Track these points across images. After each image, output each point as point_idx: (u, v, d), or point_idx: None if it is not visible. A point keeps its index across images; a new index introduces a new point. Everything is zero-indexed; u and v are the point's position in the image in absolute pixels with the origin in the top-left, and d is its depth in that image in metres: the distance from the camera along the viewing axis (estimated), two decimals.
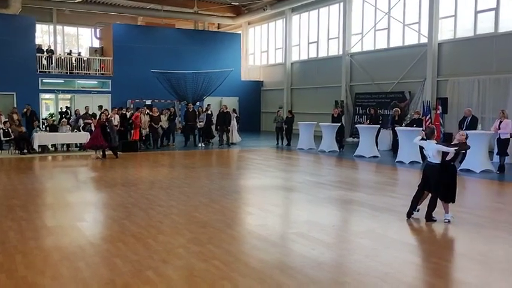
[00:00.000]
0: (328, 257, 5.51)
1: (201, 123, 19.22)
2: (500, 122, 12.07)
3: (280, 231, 6.86)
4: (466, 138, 7.38)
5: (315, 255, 5.50)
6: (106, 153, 15.11)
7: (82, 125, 17.62)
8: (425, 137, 7.22)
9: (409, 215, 7.21)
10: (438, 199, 7.01)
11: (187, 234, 6.33)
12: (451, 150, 6.93)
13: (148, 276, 4.77)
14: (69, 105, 24.47)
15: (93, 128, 15.65)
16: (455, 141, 7.26)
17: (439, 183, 6.94)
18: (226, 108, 20.01)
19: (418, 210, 7.26)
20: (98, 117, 15.74)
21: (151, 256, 5.41)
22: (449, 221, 6.91)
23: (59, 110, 24.29)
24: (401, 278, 4.78)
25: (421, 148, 12.74)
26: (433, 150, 6.94)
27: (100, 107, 19.03)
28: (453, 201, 7.04)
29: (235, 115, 21.18)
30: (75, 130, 17.41)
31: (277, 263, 5.23)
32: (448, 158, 6.95)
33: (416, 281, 4.80)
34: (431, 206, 6.98)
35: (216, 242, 5.95)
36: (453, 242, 6.39)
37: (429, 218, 6.97)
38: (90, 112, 18.47)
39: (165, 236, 6.25)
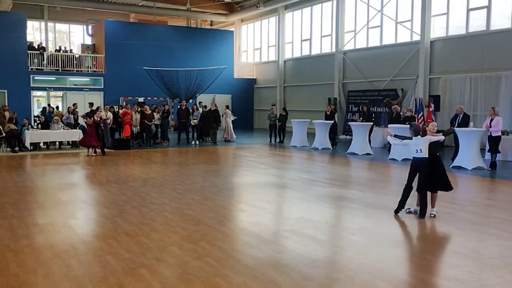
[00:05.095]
0: (321, 253, 5.52)
1: (195, 120, 19.20)
2: (491, 120, 12.13)
3: (273, 228, 6.86)
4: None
5: (308, 252, 5.50)
6: (97, 150, 15.22)
7: (73, 122, 17.69)
8: (413, 134, 7.23)
9: (397, 211, 7.26)
10: (431, 193, 7.09)
11: (180, 232, 6.31)
12: (441, 138, 7.16)
13: (141, 274, 4.76)
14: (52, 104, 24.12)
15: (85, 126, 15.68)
16: (429, 133, 7.28)
17: (432, 176, 7.02)
18: (216, 106, 20.00)
19: (408, 209, 7.32)
20: (93, 117, 15.64)
21: (144, 254, 5.38)
22: (435, 216, 7.04)
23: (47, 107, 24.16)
24: (393, 275, 4.80)
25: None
26: (424, 143, 7.02)
27: (91, 104, 18.93)
28: (452, 188, 7.20)
29: (231, 113, 21.21)
30: (67, 128, 17.31)
31: (270, 260, 5.22)
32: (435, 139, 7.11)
33: (409, 278, 4.82)
34: (424, 203, 7.03)
35: (209, 240, 5.94)
36: (445, 238, 6.42)
37: (423, 215, 7.03)
38: (77, 109, 18.96)
39: (158, 234, 6.23)
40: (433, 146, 7.13)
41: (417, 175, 7.18)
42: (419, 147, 7.07)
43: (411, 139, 7.21)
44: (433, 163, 7.08)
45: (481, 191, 10.00)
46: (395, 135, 7.79)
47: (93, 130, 14.97)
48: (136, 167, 13.00)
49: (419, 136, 7.12)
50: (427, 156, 7.03)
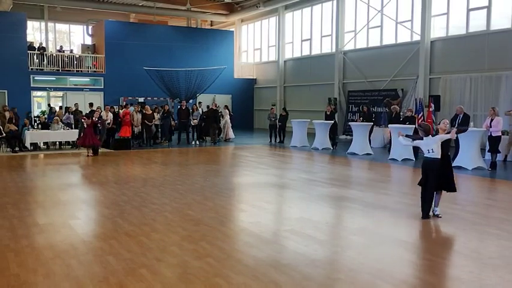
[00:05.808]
0: (321, 253, 5.52)
1: (195, 120, 19.23)
2: (492, 120, 12.14)
3: (273, 228, 6.86)
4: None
5: (308, 252, 5.50)
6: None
7: (73, 122, 17.71)
8: (423, 135, 7.13)
9: (424, 214, 7.06)
10: (435, 193, 7.05)
11: (181, 232, 6.32)
12: (453, 136, 7.09)
13: (142, 274, 4.76)
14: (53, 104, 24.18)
15: (85, 126, 15.66)
16: (441, 131, 7.22)
17: (440, 176, 6.96)
18: (216, 106, 20.02)
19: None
20: (91, 116, 15.65)
21: (144, 254, 5.39)
22: (437, 216, 7.02)
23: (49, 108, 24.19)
24: (394, 275, 4.80)
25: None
26: (436, 143, 6.89)
27: (91, 104, 18.96)
28: (455, 190, 7.20)
29: (228, 112, 21.25)
30: (67, 128, 17.33)
31: (270, 260, 5.23)
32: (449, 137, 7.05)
33: (410, 278, 4.82)
34: (429, 202, 7.01)
35: (209, 240, 5.95)
36: (446, 238, 6.42)
37: (427, 215, 7.00)
38: (79, 109, 19.00)
39: (159, 234, 6.23)
40: (445, 146, 7.03)
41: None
42: (430, 147, 6.93)
43: (422, 139, 7.09)
44: (443, 163, 6.99)
45: (481, 191, 10.00)
46: (406, 135, 7.72)
47: (91, 130, 14.97)
48: (136, 167, 13.00)
49: (430, 136, 7.02)
50: (439, 157, 6.90)
